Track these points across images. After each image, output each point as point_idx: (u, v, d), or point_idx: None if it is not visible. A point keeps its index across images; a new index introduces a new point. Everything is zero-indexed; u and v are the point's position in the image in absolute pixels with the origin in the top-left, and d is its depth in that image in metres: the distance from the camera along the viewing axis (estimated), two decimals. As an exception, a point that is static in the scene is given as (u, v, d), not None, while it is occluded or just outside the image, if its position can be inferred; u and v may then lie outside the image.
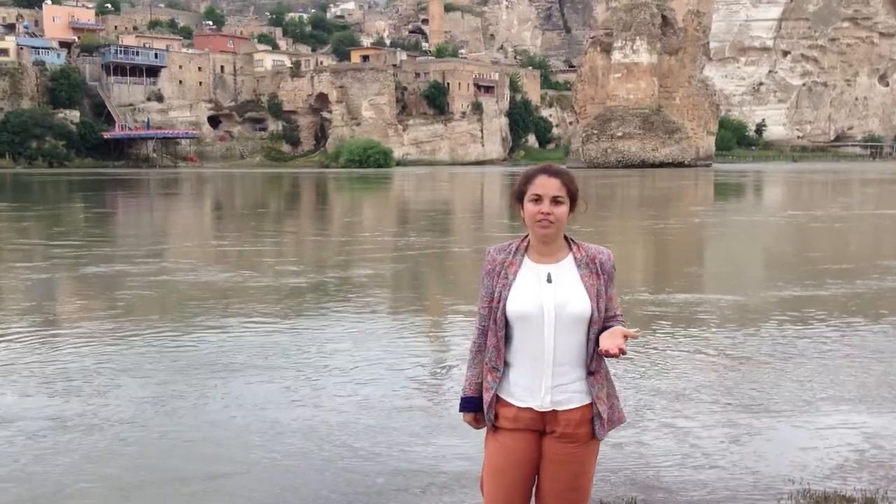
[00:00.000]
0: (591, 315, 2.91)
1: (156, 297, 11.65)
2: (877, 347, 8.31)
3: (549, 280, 2.94)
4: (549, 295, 2.91)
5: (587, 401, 2.97)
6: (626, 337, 2.85)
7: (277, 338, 8.78)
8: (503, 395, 3.01)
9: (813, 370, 7.44)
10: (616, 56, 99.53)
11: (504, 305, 2.94)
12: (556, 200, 2.92)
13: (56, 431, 5.84)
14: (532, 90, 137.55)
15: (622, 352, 2.81)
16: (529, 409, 2.96)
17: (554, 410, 2.95)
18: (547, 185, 2.92)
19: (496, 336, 2.98)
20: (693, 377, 7.22)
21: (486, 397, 3.03)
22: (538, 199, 2.92)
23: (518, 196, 3.00)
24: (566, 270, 2.96)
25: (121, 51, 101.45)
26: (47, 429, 5.89)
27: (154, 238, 21.48)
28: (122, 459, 5.34)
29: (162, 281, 13.06)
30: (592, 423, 2.97)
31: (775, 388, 6.87)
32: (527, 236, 3.03)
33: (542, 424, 2.98)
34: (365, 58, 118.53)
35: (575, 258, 2.97)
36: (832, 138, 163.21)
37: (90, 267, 14.75)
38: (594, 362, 2.96)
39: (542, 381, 2.94)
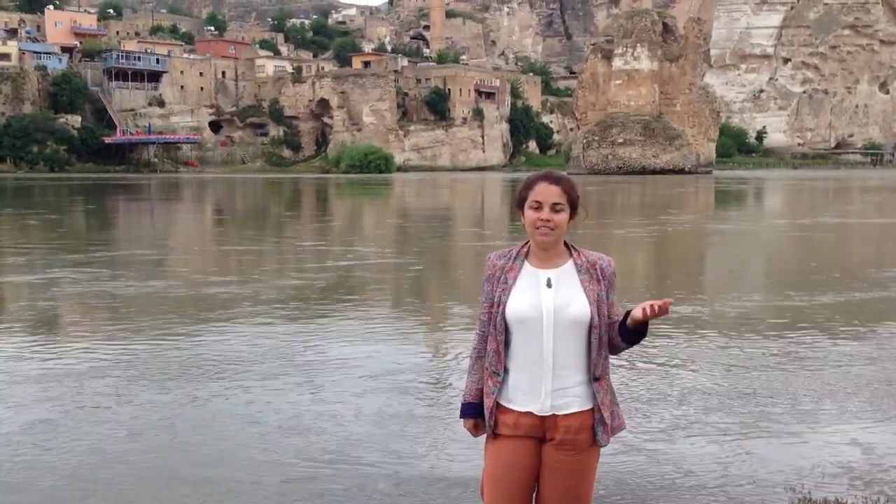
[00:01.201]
0: (591, 319, 2.92)
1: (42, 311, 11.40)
2: (871, 355, 8.31)
3: (548, 285, 2.95)
4: (549, 299, 2.93)
5: (587, 406, 2.97)
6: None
7: (267, 343, 8.77)
8: (503, 401, 3.01)
9: (808, 379, 7.44)
10: (617, 63, 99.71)
11: (503, 310, 2.96)
12: (555, 207, 2.93)
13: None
14: (533, 96, 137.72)
15: (661, 308, 2.82)
16: (529, 415, 2.96)
17: (553, 416, 2.95)
18: (547, 193, 2.94)
19: (496, 340, 2.99)
20: (689, 384, 7.22)
21: (487, 403, 3.03)
22: (538, 206, 2.94)
23: (519, 202, 3.02)
24: (566, 275, 2.97)
25: (122, 56, 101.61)
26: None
27: (85, 246, 20.39)
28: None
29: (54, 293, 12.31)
30: (593, 429, 2.97)
31: (773, 397, 6.87)
32: (527, 242, 3.05)
33: (541, 431, 2.98)
34: (366, 63, 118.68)
35: (575, 264, 2.99)
36: (833, 146, 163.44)
37: None
38: (599, 367, 2.97)
39: (541, 384, 2.94)
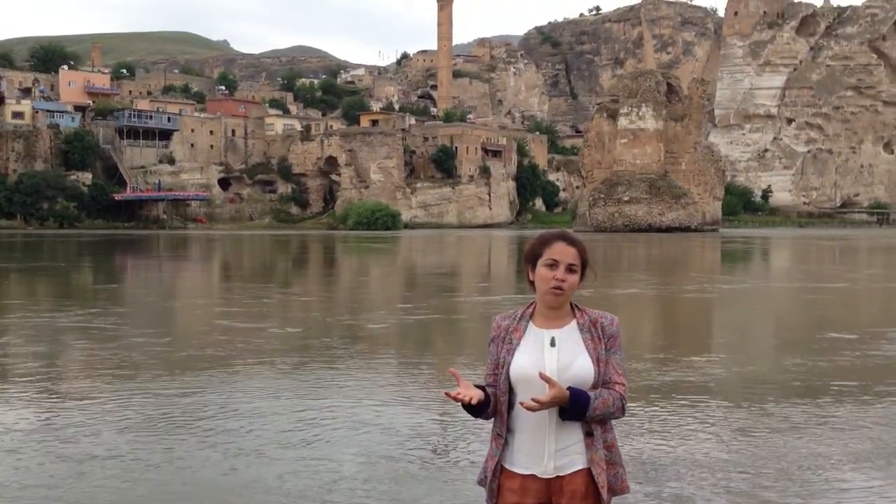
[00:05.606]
0: (594, 378, 2.92)
1: None
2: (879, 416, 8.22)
3: (552, 344, 2.96)
4: (552, 358, 2.94)
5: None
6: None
7: (272, 397, 8.70)
8: (506, 464, 3.00)
9: (829, 442, 7.35)
10: (622, 122, 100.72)
11: (507, 370, 2.97)
12: (570, 268, 2.97)
13: None
14: (539, 155, 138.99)
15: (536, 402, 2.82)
16: (534, 478, 2.95)
17: (559, 478, 2.93)
18: (565, 253, 2.98)
19: (500, 401, 3.00)
20: (704, 449, 7.13)
21: (490, 465, 3.02)
22: (554, 265, 2.97)
23: (531, 258, 3.03)
24: (569, 335, 2.98)
25: (134, 115, 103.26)
26: None
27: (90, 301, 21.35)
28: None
29: None
30: (596, 489, 2.94)
31: (779, 460, 6.77)
32: (532, 304, 3.06)
33: (548, 495, 2.95)
34: (374, 122, 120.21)
35: (578, 323, 3.00)
36: (838, 205, 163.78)
37: None
38: (590, 424, 2.94)
39: (545, 446, 2.94)
